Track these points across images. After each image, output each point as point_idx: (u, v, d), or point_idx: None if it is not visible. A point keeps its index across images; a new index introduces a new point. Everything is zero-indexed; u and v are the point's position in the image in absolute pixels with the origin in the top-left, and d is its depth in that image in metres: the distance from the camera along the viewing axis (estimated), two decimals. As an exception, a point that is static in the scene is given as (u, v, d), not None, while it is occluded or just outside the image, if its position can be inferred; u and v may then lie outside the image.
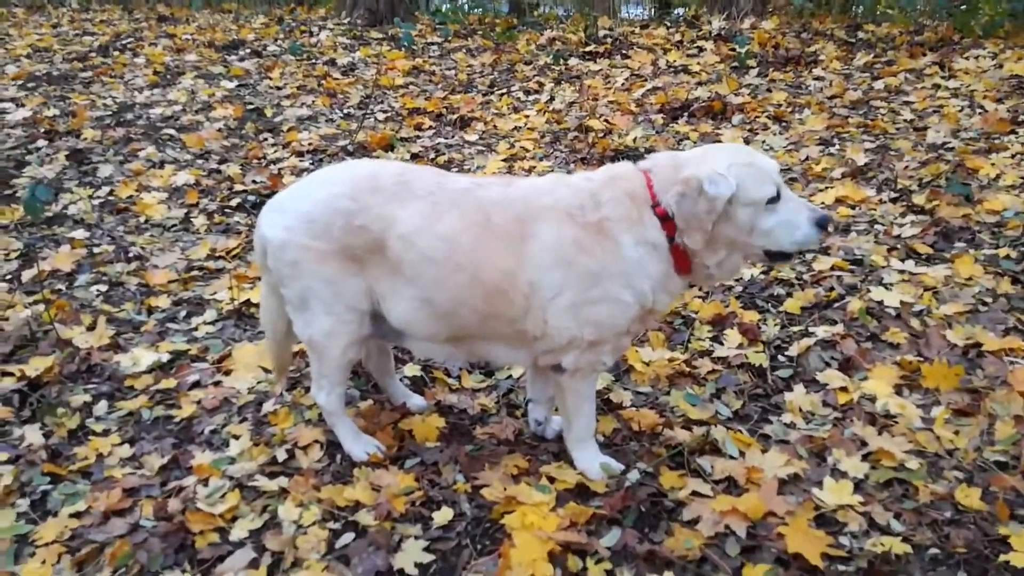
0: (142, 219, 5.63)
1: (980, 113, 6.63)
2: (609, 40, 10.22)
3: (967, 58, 8.11)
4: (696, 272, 2.75)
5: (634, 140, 6.55)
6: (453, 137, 7.23)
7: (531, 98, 8.32)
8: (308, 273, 2.80)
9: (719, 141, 6.57)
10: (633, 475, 2.90)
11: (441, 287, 2.72)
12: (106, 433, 3.31)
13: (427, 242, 2.69)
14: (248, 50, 10.66)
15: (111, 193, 6.02)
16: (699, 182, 2.56)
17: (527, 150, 6.70)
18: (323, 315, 2.85)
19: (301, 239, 2.76)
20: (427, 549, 2.62)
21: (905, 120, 6.76)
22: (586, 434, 2.96)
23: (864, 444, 3.05)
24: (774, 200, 2.63)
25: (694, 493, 2.80)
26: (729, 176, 2.57)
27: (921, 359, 3.54)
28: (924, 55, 8.46)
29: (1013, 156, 5.63)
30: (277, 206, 2.88)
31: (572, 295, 2.64)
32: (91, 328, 4.07)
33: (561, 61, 9.38)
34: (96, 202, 5.88)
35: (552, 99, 8.11)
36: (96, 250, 5.08)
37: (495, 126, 7.44)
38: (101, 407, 3.48)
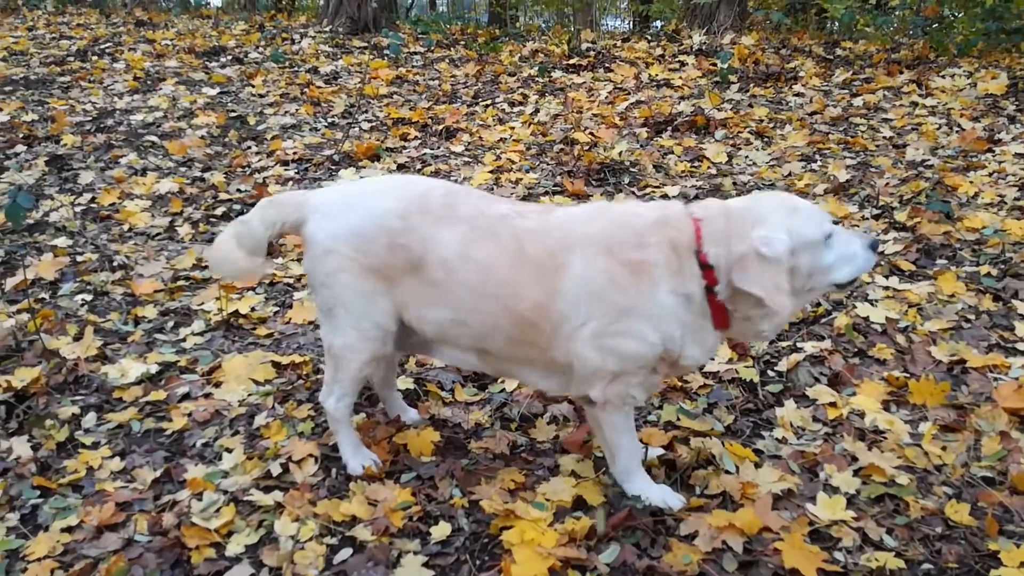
0: (125, 227, 5.57)
1: (957, 131, 6.78)
2: (592, 53, 10.30)
3: (943, 76, 8.28)
4: (739, 327, 2.70)
5: (619, 154, 6.60)
6: (439, 148, 7.23)
7: (516, 110, 8.35)
8: (342, 284, 2.80)
9: (704, 157, 6.64)
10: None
11: (475, 312, 2.74)
12: (96, 446, 3.28)
13: (464, 267, 2.70)
14: (229, 57, 10.59)
15: (93, 200, 5.95)
16: (756, 254, 2.49)
17: (513, 162, 6.72)
18: (348, 328, 2.86)
19: (345, 250, 2.77)
20: (426, 564, 2.61)
21: (884, 137, 6.89)
22: (633, 465, 2.91)
23: (855, 459, 3.09)
24: (828, 236, 2.61)
25: (691, 508, 2.83)
26: (779, 230, 2.52)
27: (908, 375, 3.60)
28: (901, 73, 8.63)
29: (990, 174, 5.77)
30: (329, 209, 2.85)
31: (597, 325, 2.62)
32: (77, 338, 4.02)
33: (545, 74, 9.43)
34: (78, 209, 5.80)
35: (537, 111, 8.15)
36: (79, 258, 5.01)
37: (481, 137, 7.45)
38: (90, 419, 3.44)
